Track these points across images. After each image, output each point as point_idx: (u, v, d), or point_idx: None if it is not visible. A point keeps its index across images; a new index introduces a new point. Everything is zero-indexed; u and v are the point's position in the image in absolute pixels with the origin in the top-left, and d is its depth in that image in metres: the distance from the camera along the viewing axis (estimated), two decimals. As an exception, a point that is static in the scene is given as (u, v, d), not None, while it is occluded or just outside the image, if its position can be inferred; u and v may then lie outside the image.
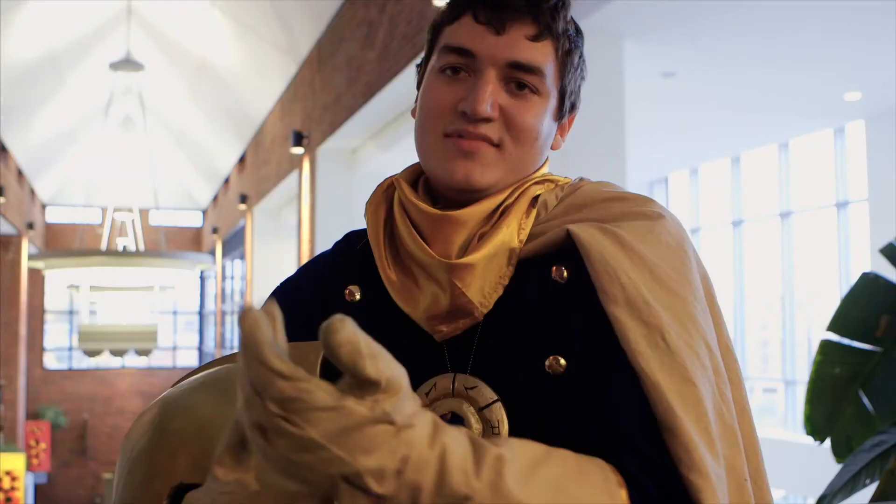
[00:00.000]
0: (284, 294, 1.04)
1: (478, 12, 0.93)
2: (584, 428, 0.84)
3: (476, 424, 0.90)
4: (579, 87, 1.01)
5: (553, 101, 0.97)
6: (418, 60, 1.04)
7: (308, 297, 1.02)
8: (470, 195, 0.95)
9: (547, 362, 0.88)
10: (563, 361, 0.88)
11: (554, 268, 0.92)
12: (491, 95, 0.92)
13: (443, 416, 0.90)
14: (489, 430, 0.90)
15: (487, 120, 0.92)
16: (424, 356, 0.94)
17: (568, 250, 0.92)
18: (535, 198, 0.97)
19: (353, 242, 1.04)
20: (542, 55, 0.94)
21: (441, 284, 0.92)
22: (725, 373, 0.90)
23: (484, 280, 0.91)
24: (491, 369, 0.91)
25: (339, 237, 1.10)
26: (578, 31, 0.99)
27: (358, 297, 0.98)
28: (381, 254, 0.97)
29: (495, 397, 0.90)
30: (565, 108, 0.99)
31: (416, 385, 0.91)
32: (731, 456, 0.86)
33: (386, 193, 1.01)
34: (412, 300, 0.94)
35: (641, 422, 0.82)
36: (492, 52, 0.92)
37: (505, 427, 0.89)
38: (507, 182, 0.96)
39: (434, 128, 0.95)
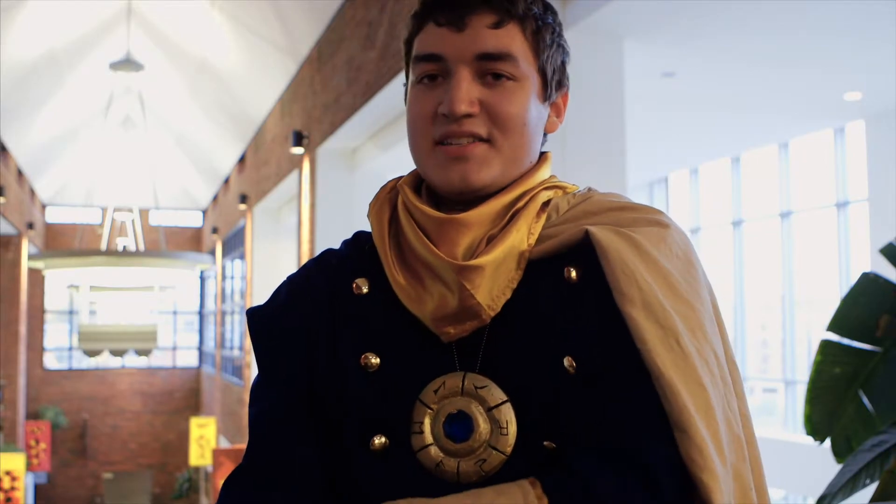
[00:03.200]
0: (294, 288, 1.04)
1: (437, 16, 0.94)
2: (598, 426, 0.86)
3: (484, 424, 0.90)
4: (563, 63, 1.00)
5: (534, 83, 0.96)
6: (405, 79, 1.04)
7: (317, 290, 1.02)
8: (471, 195, 0.95)
9: (566, 362, 0.89)
10: (575, 361, 0.89)
11: (566, 268, 0.92)
12: (467, 92, 0.92)
13: (450, 415, 0.91)
14: (497, 430, 0.90)
15: (469, 116, 0.92)
16: (432, 354, 0.94)
17: (579, 252, 0.92)
18: (546, 203, 0.98)
19: (362, 242, 1.05)
20: (508, 40, 0.93)
21: (449, 286, 0.92)
22: (731, 384, 0.92)
23: (493, 283, 0.91)
24: (502, 370, 0.92)
25: (339, 237, 1.10)
26: (548, 7, 0.98)
27: (365, 290, 0.99)
28: (387, 255, 0.97)
29: (505, 398, 0.90)
30: (551, 88, 0.99)
31: (423, 383, 0.92)
32: (738, 464, 0.87)
33: (389, 195, 1.01)
34: (419, 301, 0.94)
35: (655, 425, 0.84)
36: (458, 50, 0.93)
37: (513, 428, 0.90)
38: (508, 176, 0.95)
39: (423, 138, 0.96)
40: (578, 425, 0.87)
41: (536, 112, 0.97)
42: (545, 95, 0.98)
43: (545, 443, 0.88)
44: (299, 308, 1.01)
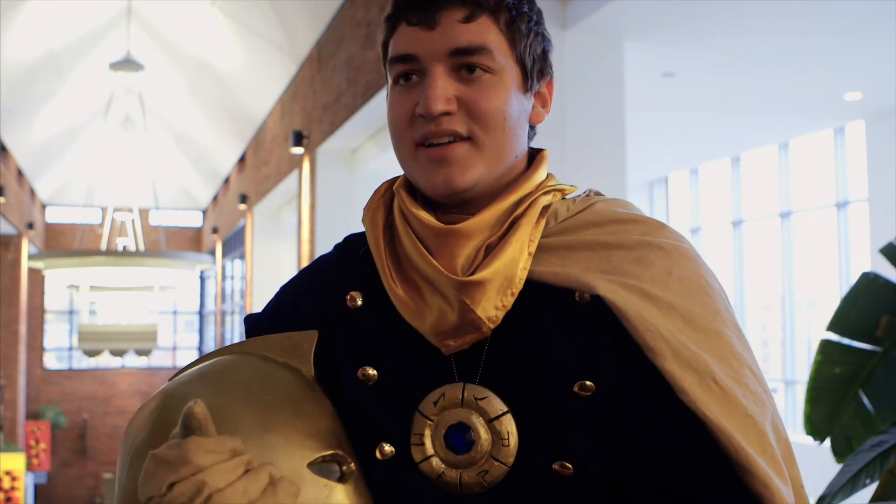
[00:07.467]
0: (286, 298, 1.04)
1: (409, 16, 0.94)
2: (647, 452, 0.87)
3: (485, 435, 0.89)
4: (544, 51, 0.97)
5: (513, 75, 0.94)
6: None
7: (310, 301, 1.01)
8: (457, 198, 0.93)
9: (577, 384, 0.88)
10: (589, 383, 0.88)
11: (577, 293, 0.91)
12: (443, 90, 0.91)
13: (451, 427, 0.90)
14: (498, 441, 0.89)
15: (447, 114, 0.91)
16: (430, 365, 0.92)
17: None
18: (545, 208, 0.96)
19: (354, 247, 1.02)
20: (482, 32, 0.91)
21: (448, 300, 0.90)
22: (769, 390, 0.92)
23: (493, 295, 0.90)
24: (503, 382, 0.90)
25: (339, 237, 1.09)
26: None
27: (360, 302, 0.97)
28: (384, 264, 0.95)
29: (506, 409, 0.89)
30: (532, 78, 0.96)
31: (422, 394, 0.91)
32: (790, 468, 0.89)
33: (384, 198, 1.00)
34: (419, 314, 0.92)
35: (711, 452, 0.86)
36: (431, 48, 0.92)
37: (514, 440, 0.88)
38: (493, 173, 0.93)
39: (404, 140, 0.94)
40: (635, 455, 0.87)
41: (518, 105, 0.94)
42: (526, 86, 0.96)
43: (555, 465, 0.87)
44: (294, 318, 1.00)
